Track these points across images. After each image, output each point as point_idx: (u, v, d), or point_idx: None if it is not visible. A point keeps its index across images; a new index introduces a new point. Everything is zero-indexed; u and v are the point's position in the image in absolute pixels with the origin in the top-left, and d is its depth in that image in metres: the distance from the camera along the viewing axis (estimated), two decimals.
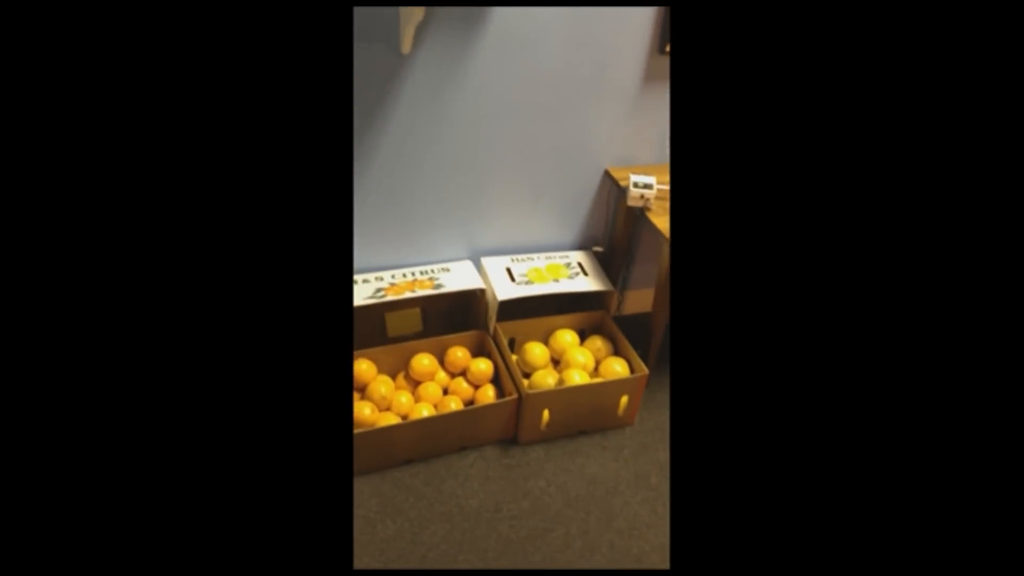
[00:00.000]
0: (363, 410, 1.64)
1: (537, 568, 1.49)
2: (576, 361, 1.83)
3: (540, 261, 1.93)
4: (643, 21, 1.67)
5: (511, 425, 1.75)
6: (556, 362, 1.91)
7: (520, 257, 1.93)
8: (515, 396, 1.69)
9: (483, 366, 1.80)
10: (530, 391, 1.67)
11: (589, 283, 1.86)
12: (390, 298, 1.71)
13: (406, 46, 1.48)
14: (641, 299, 2.25)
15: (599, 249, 2.04)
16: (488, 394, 1.77)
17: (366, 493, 1.62)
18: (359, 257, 1.83)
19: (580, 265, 1.93)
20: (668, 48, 1.72)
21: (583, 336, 1.96)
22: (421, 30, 1.51)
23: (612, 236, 2.03)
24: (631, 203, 1.73)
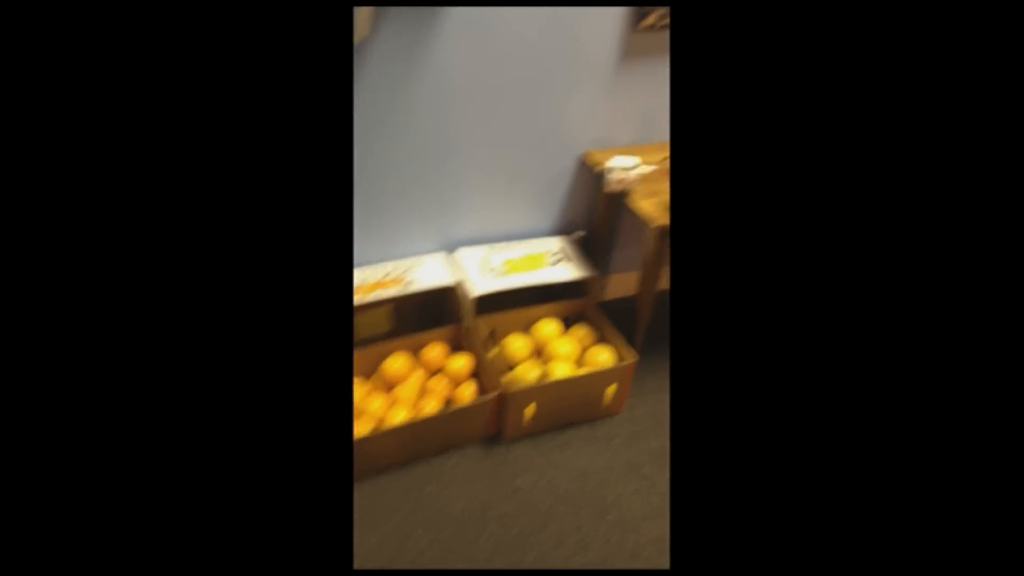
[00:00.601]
0: None
1: (532, 568, 1.44)
2: (560, 352, 1.76)
3: (518, 250, 1.85)
4: None
5: (494, 422, 1.69)
6: (541, 352, 1.85)
7: (497, 247, 1.86)
8: (497, 393, 1.63)
9: (461, 363, 1.73)
10: (513, 387, 1.61)
11: (570, 270, 1.79)
12: (357, 300, 1.64)
13: (360, 33, 1.38)
14: (625, 282, 2.19)
15: (580, 234, 1.97)
16: (468, 391, 1.70)
17: None
18: None
19: (560, 252, 1.86)
20: (643, 24, 1.63)
21: (567, 324, 1.90)
22: (377, 15, 1.42)
23: (593, 220, 1.96)
24: (610, 187, 1.66)
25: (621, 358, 1.75)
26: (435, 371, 1.76)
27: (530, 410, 1.66)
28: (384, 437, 1.55)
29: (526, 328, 1.88)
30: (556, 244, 1.90)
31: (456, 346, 1.82)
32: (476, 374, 1.75)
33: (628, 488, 1.62)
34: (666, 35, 1.71)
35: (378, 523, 1.52)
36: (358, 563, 1.43)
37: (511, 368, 1.78)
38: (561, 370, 1.70)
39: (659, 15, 1.64)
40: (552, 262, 1.82)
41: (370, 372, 1.74)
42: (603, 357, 1.76)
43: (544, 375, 1.72)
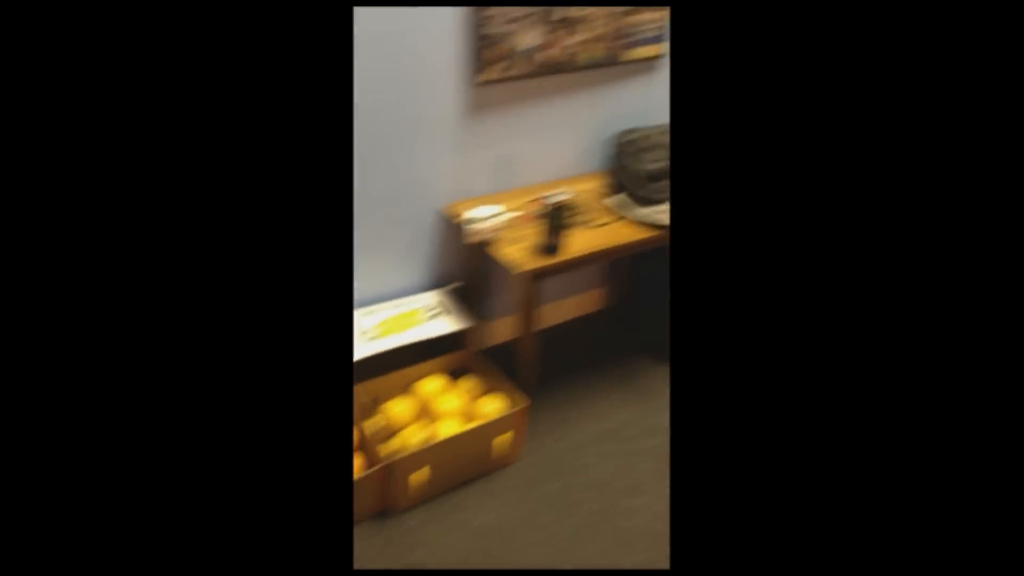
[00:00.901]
0: None
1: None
2: (446, 409, 1.72)
3: (391, 310, 1.81)
4: (448, 53, 1.60)
5: (384, 496, 1.62)
6: (427, 412, 1.80)
7: (367, 310, 1.81)
8: (380, 465, 1.56)
9: None
10: (397, 455, 1.55)
11: (448, 323, 1.77)
12: None
13: None
14: (508, 327, 2.19)
15: (458, 284, 1.95)
16: (354, 467, 1.63)
17: None
18: None
19: (439, 306, 1.84)
20: (480, 79, 1.66)
21: (456, 377, 1.86)
22: None
23: (466, 271, 1.95)
24: (469, 239, 1.65)
25: (513, 404, 1.73)
26: None
27: (419, 476, 1.60)
28: None
29: (409, 389, 1.83)
30: (433, 298, 1.87)
31: None
32: (361, 447, 1.68)
33: (530, 539, 1.59)
34: (508, 87, 1.74)
35: None
36: None
37: (393, 435, 1.72)
38: (448, 428, 1.66)
39: (502, 67, 1.68)
40: (428, 317, 1.79)
41: None
42: (491, 407, 1.73)
43: (431, 436, 1.67)
